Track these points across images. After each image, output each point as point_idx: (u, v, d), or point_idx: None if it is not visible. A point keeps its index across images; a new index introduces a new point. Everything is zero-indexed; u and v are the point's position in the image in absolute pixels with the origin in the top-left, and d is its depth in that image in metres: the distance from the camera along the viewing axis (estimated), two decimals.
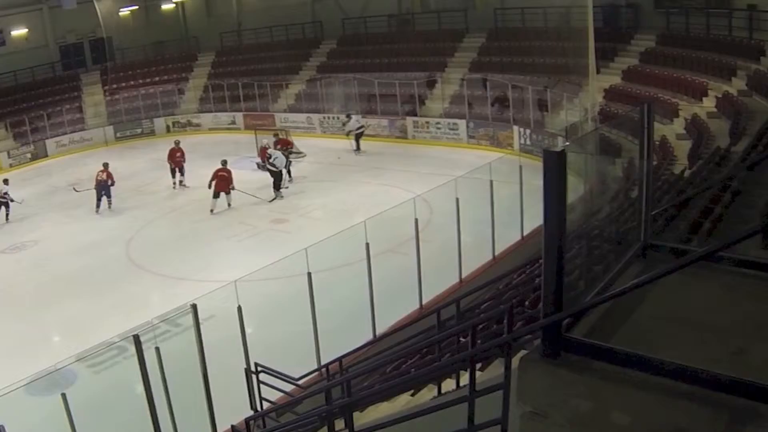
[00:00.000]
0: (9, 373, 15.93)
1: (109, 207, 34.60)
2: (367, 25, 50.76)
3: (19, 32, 54.54)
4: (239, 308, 14.30)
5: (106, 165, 35.27)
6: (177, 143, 37.33)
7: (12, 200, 34.98)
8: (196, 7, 60.62)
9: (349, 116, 42.03)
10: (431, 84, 43.31)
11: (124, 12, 57.79)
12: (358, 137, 40.81)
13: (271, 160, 33.47)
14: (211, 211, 32.57)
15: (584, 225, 5.99)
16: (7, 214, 35.04)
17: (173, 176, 36.76)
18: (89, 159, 45.43)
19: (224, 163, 33.72)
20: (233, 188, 32.70)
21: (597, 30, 28.27)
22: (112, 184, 34.65)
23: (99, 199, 34.44)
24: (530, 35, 40.68)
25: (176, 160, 36.57)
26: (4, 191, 35.31)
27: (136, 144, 50.59)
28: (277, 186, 33.63)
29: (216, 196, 32.68)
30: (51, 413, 13.28)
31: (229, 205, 32.94)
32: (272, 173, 33.84)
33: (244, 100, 50.61)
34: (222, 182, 32.82)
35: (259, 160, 37.30)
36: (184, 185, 36.59)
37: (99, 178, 34.63)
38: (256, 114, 48.64)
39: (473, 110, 39.83)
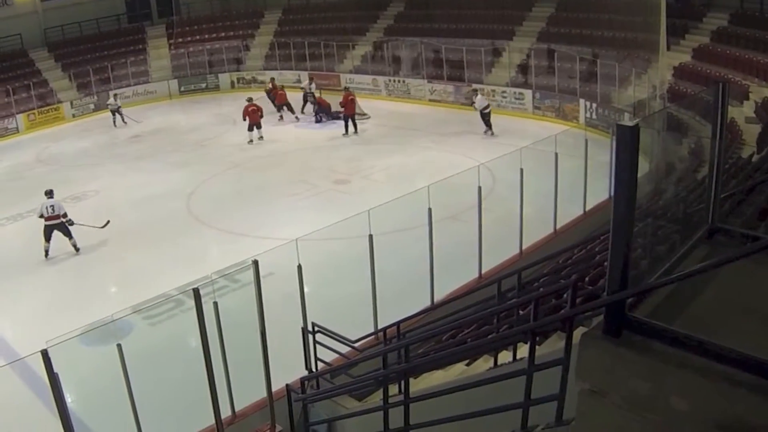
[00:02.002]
0: (65, 323, 16.14)
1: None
2: None
3: None
4: (299, 267, 14.32)
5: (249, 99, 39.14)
6: (250, 100, 38.26)
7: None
8: None
9: (311, 79, 44.57)
10: (498, 52, 42.97)
11: None
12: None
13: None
14: (250, 141, 37.46)
15: (650, 203, 5.95)
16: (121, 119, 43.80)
17: (250, 130, 37.73)
18: (152, 111, 45.98)
19: (250, 99, 38.33)
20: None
21: (668, 6, 27.81)
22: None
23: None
24: (600, 8, 39.95)
25: (254, 117, 37.71)
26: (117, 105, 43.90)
27: (200, 98, 50.95)
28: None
29: (251, 129, 37.51)
30: (105, 363, 13.41)
31: (261, 137, 37.71)
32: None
33: (309, 59, 50.69)
34: (254, 115, 37.50)
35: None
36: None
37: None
38: (321, 73, 48.49)
39: (540, 81, 39.51)
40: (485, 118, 36.02)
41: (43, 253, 24.51)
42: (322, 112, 40.79)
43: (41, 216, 24.51)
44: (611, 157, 20.53)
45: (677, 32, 34.99)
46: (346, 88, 41.87)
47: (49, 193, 25.14)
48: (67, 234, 24.66)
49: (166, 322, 18.95)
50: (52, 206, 24.59)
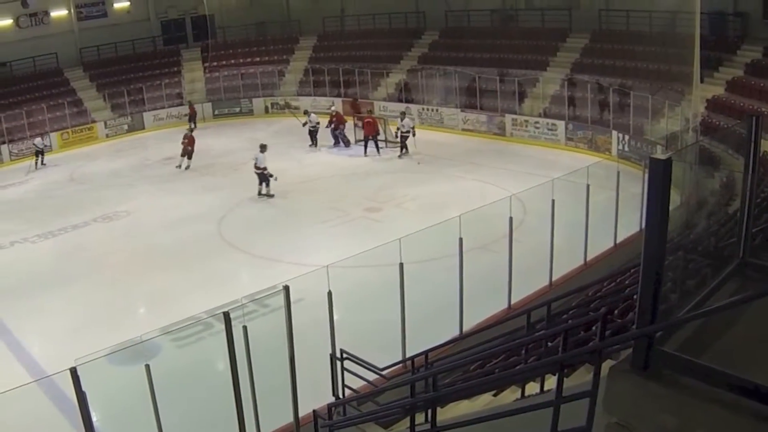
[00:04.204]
0: (93, 342, 16.26)
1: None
2: (470, 18, 50.39)
3: (121, 5, 55.85)
4: (329, 293, 14.32)
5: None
6: (191, 130, 41.11)
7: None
8: None
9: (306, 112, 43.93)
10: (532, 83, 42.92)
11: None
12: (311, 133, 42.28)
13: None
14: (178, 166, 39.24)
15: (681, 237, 5.94)
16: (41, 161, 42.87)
17: (182, 156, 39.56)
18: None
19: (191, 129, 41.67)
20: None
21: (703, 38, 27.57)
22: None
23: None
24: (634, 39, 39.84)
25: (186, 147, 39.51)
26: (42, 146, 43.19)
27: (233, 122, 51.21)
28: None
29: (183, 155, 39.16)
30: (132, 383, 13.46)
31: (187, 167, 39.11)
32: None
33: (344, 86, 50.80)
34: (190, 145, 39.21)
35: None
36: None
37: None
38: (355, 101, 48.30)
39: (573, 112, 39.40)
40: (403, 140, 39.09)
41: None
42: (338, 130, 41.46)
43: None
44: (643, 189, 20.50)
45: (711, 65, 34.79)
46: (369, 111, 42.86)
47: (262, 147, 32.83)
48: (265, 181, 32.54)
49: (194, 344, 19.03)
50: (256, 158, 32.62)
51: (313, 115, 42.57)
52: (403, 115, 40.69)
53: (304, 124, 41.94)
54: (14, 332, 21.26)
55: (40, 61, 51.77)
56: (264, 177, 32.22)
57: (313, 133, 41.61)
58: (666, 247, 4.66)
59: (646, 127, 35.09)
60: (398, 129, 39.32)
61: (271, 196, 32.31)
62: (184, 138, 39.28)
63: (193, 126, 46.80)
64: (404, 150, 38.66)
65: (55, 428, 15.83)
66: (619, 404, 4.63)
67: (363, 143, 39.60)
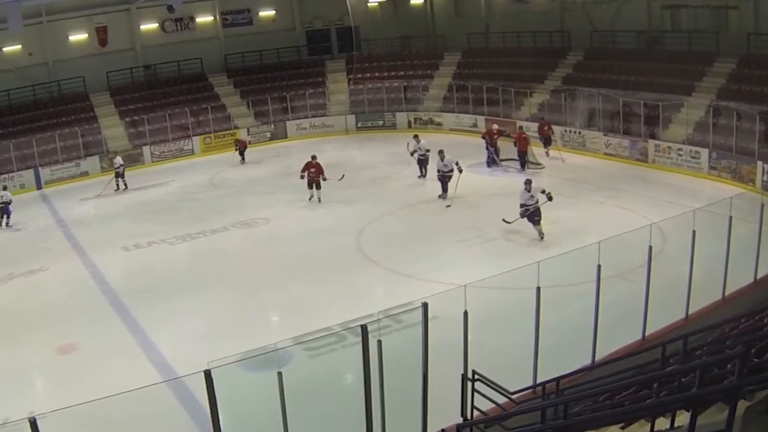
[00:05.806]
0: (224, 346, 16.76)
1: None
2: (615, 39, 49.66)
3: (266, 13, 58.10)
4: (465, 313, 14.35)
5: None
6: (314, 158, 36.05)
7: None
8: (444, 5, 61.95)
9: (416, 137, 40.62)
10: (676, 108, 42.10)
11: (372, 3, 60.25)
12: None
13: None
14: (310, 199, 35.45)
15: None
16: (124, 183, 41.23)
17: (309, 188, 35.63)
18: (328, 145, 46.63)
19: (314, 157, 35.85)
20: (324, 179, 35.29)
21: None
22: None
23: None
24: None
25: (311, 175, 35.66)
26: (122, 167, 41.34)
27: (376, 136, 51.74)
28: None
29: (310, 186, 35.44)
30: (261, 390, 13.73)
31: (319, 200, 35.44)
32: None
33: (487, 104, 50.59)
34: (318, 174, 35.35)
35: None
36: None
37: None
38: (498, 119, 47.66)
39: (717, 140, 38.45)
40: (421, 162, 38.71)
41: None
42: (494, 155, 40.94)
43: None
44: None
45: None
46: (521, 128, 43.38)
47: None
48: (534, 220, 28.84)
49: (326, 355, 19.33)
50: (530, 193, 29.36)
51: (423, 141, 39.78)
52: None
53: (413, 153, 39.60)
54: (147, 331, 22.08)
55: (185, 65, 53.91)
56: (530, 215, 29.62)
57: (422, 162, 38.90)
58: None
59: None
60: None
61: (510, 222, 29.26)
62: (309, 167, 35.39)
63: (242, 160, 46.34)
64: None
65: (182, 428, 16.37)
66: None
67: (518, 160, 39.73)
